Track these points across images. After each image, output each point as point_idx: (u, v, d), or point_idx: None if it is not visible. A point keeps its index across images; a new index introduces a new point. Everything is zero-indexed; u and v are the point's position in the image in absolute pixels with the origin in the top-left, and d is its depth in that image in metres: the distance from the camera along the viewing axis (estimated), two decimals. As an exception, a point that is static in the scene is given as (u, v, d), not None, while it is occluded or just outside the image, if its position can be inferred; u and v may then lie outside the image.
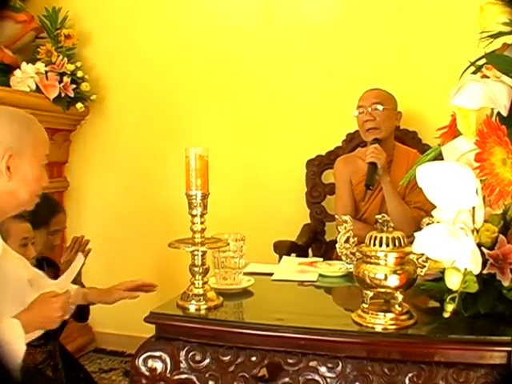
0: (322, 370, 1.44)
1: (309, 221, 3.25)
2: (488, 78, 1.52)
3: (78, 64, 3.45)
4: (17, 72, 3.17)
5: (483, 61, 1.59)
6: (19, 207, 1.78)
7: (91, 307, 2.34)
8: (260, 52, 3.34)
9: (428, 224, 1.47)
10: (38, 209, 1.80)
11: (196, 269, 1.66)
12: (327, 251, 3.12)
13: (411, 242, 1.46)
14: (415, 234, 1.43)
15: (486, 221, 1.47)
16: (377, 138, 2.74)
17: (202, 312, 1.64)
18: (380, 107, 2.75)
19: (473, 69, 1.62)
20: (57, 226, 2.47)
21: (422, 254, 1.47)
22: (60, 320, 1.74)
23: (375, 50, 3.15)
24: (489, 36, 1.60)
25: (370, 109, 2.76)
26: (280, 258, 2.68)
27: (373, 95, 2.80)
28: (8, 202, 1.71)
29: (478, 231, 1.45)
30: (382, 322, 1.47)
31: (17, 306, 1.73)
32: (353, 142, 3.16)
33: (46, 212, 2.36)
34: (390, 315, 1.47)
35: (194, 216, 1.65)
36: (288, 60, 3.30)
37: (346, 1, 3.23)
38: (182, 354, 1.55)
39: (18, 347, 1.58)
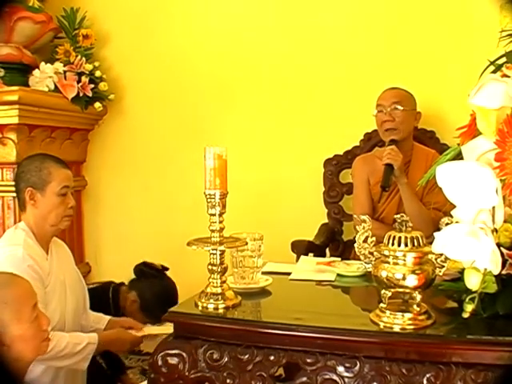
0: (340, 369, 1.43)
1: (326, 220, 3.25)
2: (508, 77, 1.51)
3: (96, 64, 3.47)
4: (35, 72, 3.20)
5: (503, 60, 1.58)
6: None
7: None
8: (278, 52, 3.34)
9: (447, 224, 1.46)
10: None
11: (214, 268, 1.66)
12: (345, 251, 3.12)
13: (430, 243, 1.46)
14: (435, 233, 1.43)
15: (505, 221, 1.46)
16: (394, 138, 2.73)
17: (220, 311, 1.64)
18: (399, 107, 2.73)
19: (493, 68, 1.61)
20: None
21: (441, 254, 1.46)
22: None
23: (393, 49, 3.14)
24: (509, 35, 1.59)
25: (389, 109, 2.75)
26: (298, 257, 2.68)
27: (392, 95, 2.78)
28: None
29: (497, 231, 1.44)
30: (400, 321, 1.46)
31: None
32: (371, 141, 3.16)
33: None
34: (408, 315, 1.47)
35: (212, 215, 1.65)
36: (306, 60, 3.30)
37: (364, 0, 3.22)
38: (200, 352, 1.55)
39: None
